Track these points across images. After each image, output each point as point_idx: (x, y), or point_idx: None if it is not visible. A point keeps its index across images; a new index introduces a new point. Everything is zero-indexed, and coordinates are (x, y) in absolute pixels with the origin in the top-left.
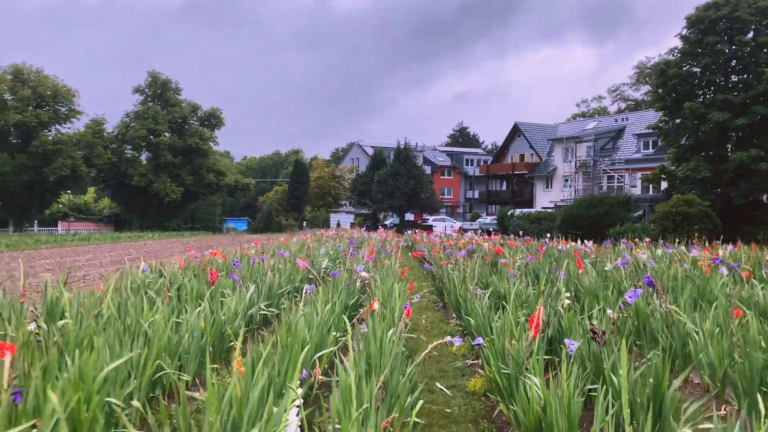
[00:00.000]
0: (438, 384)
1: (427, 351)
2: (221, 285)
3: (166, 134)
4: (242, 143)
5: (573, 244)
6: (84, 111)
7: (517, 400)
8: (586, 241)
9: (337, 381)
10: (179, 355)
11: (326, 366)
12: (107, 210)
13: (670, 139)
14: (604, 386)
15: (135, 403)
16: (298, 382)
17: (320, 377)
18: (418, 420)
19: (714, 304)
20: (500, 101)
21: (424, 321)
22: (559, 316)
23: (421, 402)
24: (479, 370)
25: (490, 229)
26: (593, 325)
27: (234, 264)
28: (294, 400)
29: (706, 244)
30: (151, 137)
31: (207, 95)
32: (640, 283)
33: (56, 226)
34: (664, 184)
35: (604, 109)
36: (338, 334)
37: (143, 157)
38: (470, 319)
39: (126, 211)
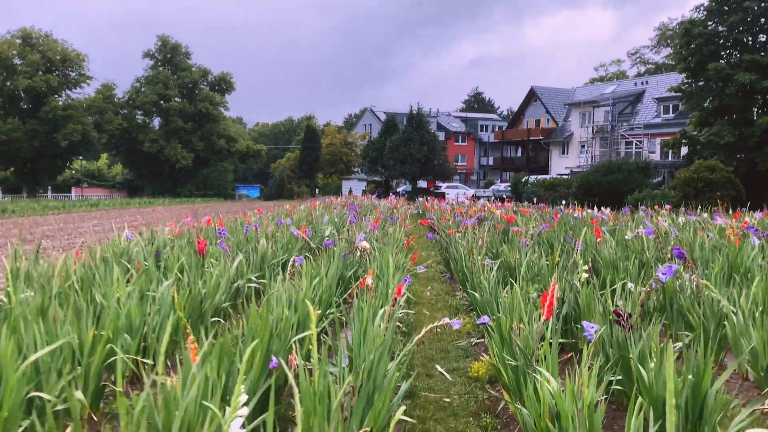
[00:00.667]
0: (438, 367)
1: (420, 335)
2: (210, 255)
3: (177, 99)
4: (255, 109)
5: (589, 211)
6: (94, 76)
7: (526, 399)
8: (603, 208)
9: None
10: (145, 336)
11: (308, 349)
12: (120, 176)
13: (693, 102)
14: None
15: (78, 394)
16: (259, 381)
17: (296, 364)
18: (408, 419)
19: (755, 280)
20: (516, 67)
21: (428, 293)
22: (576, 292)
23: (403, 409)
24: (484, 354)
25: (504, 196)
26: (617, 306)
27: (220, 232)
28: (238, 408)
29: (730, 212)
30: (162, 102)
31: (219, 61)
32: (669, 256)
33: (70, 192)
34: (684, 150)
35: (623, 73)
36: (332, 310)
37: (155, 122)
38: (476, 294)
39: (137, 177)
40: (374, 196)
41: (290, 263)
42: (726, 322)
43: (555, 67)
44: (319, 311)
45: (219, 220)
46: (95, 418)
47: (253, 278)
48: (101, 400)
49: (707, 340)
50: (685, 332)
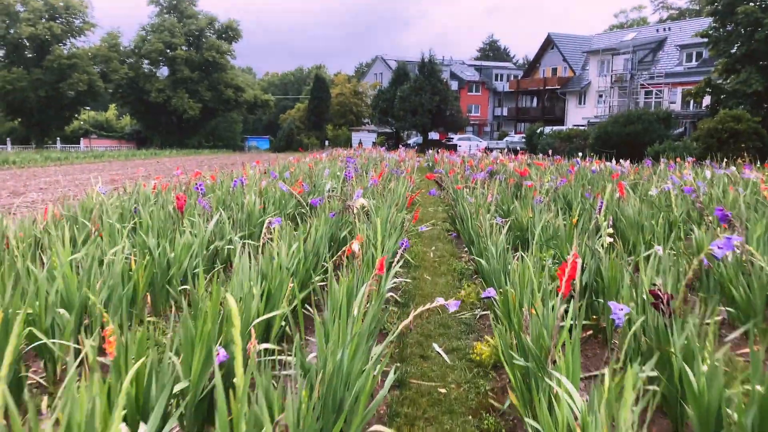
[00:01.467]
0: (435, 346)
1: (408, 320)
2: (192, 213)
3: (183, 48)
4: (265, 59)
5: (608, 164)
6: (98, 24)
7: (539, 413)
8: (621, 160)
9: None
10: (89, 312)
11: (279, 333)
12: (128, 127)
13: (720, 48)
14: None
15: None
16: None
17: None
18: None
19: None
20: (533, 14)
21: (432, 254)
22: (598, 259)
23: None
24: (487, 337)
25: (518, 148)
26: (655, 285)
27: (197, 188)
28: None
29: (758, 164)
30: (168, 51)
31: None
32: (710, 218)
33: (78, 144)
34: (707, 101)
35: (644, 20)
36: (317, 279)
37: (163, 71)
38: (482, 261)
39: (145, 128)
40: (383, 148)
41: (265, 225)
42: None
43: (573, 15)
44: (293, 285)
45: (211, 174)
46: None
47: (237, 238)
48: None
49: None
50: (726, 308)
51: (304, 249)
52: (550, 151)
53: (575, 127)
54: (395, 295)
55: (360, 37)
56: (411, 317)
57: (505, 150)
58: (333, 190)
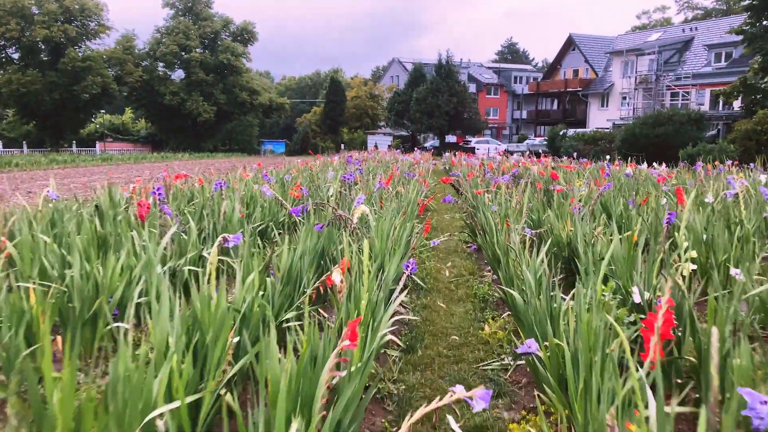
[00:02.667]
0: (451, 420)
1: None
2: (153, 223)
3: (198, 50)
4: (283, 64)
5: (643, 167)
6: (113, 26)
7: None
8: (654, 164)
9: None
10: None
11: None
12: (144, 130)
13: (756, 45)
14: None
15: None
16: None
17: None
18: None
19: None
20: (552, 17)
21: (447, 272)
22: (689, 305)
23: None
24: (529, 415)
25: (540, 151)
26: None
27: (155, 192)
28: None
29: None
30: (183, 53)
31: (247, 14)
32: None
33: (94, 147)
34: (738, 102)
35: (667, 21)
36: (291, 314)
37: (178, 74)
38: (514, 294)
39: (160, 131)
40: (398, 151)
41: (215, 246)
42: None
43: (594, 18)
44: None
45: (199, 178)
46: None
47: (205, 254)
48: None
49: None
50: None
51: (269, 280)
52: (575, 154)
53: (599, 130)
54: (397, 337)
55: (378, 43)
56: (417, 417)
57: (527, 153)
58: (332, 196)
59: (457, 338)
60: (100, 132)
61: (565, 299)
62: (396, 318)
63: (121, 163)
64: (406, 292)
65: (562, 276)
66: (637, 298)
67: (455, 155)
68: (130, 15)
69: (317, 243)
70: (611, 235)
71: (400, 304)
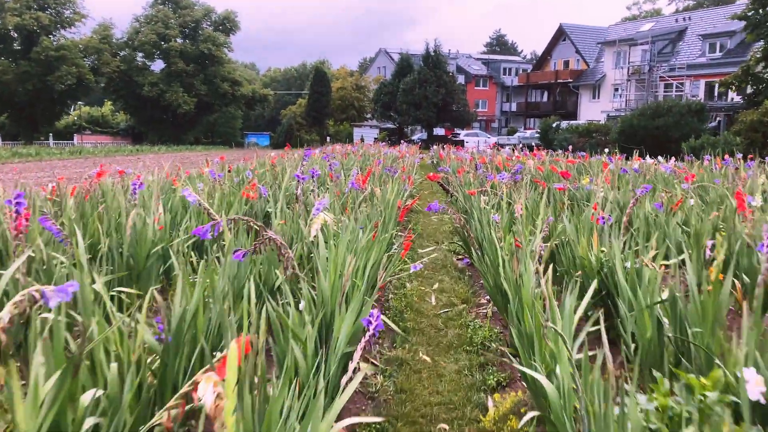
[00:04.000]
0: None
1: None
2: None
3: (178, 40)
4: (271, 55)
5: (648, 161)
6: (90, 15)
7: None
8: (659, 157)
9: None
10: None
11: None
12: (124, 123)
13: (760, 31)
14: None
15: None
16: None
17: None
18: None
19: None
20: (541, 10)
21: (433, 299)
22: None
23: None
24: None
25: (533, 144)
26: None
27: (11, 201)
28: None
29: None
30: (162, 43)
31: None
32: None
33: (72, 139)
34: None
35: (658, 12)
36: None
37: (158, 65)
38: (541, 381)
39: (139, 123)
40: (383, 144)
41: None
42: None
43: (583, 10)
44: None
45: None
46: None
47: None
48: None
49: None
50: None
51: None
52: (570, 147)
53: (593, 122)
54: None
55: (367, 36)
56: None
57: (521, 146)
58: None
59: (446, 428)
60: (78, 124)
61: (633, 397)
62: (348, 419)
63: (92, 156)
64: (373, 352)
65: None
66: (754, 393)
67: (443, 148)
68: (109, 3)
69: (233, 282)
70: (662, 266)
71: (366, 359)
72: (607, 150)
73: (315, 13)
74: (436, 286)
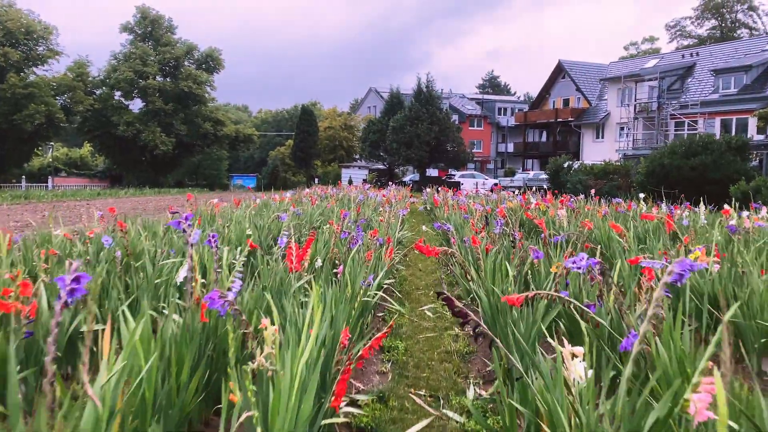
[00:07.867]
0: None
1: None
2: None
3: (157, 78)
4: (266, 99)
5: (699, 209)
6: (64, 52)
7: None
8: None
9: None
10: None
11: None
12: (102, 165)
13: None
14: None
15: None
16: None
17: None
18: None
19: None
20: (535, 53)
21: None
22: None
23: None
24: None
25: (544, 187)
26: None
27: None
28: None
29: None
30: (140, 80)
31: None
32: None
33: (46, 182)
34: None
35: (656, 50)
36: None
37: (137, 104)
38: None
39: (115, 165)
40: (367, 186)
41: None
42: None
43: (577, 52)
44: None
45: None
46: None
47: None
48: None
49: None
50: None
51: None
52: (592, 191)
53: (610, 162)
54: None
55: (361, 80)
56: None
57: (533, 189)
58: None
59: None
60: (53, 166)
61: None
62: None
63: (46, 201)
64: None
65: None
66: None
67: (438, 191)
68: (88, 40)
69: None
70: None
71: None
72: (642, 196)
73: (311, 59)
74: None
